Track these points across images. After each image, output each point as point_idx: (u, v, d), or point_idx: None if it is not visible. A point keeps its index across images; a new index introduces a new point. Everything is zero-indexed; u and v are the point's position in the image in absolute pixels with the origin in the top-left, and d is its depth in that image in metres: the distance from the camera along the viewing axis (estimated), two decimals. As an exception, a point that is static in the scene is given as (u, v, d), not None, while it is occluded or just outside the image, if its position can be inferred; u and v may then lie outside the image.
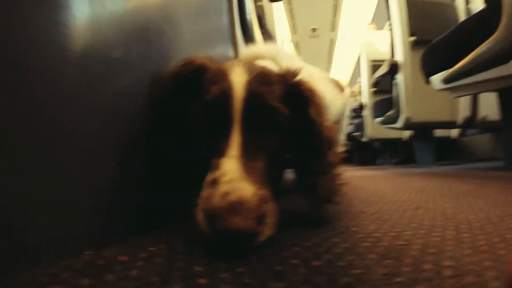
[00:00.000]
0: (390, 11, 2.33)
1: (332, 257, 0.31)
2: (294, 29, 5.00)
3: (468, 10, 2.18)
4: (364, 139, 3.51)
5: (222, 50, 0.70)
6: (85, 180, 0.32)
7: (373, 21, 4.62)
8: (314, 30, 5.05)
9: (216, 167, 0.37)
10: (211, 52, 0.65)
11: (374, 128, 3.29)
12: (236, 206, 0.32)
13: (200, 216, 0.35)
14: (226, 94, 0.41)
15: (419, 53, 1.73)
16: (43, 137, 0.28)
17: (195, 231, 0.35)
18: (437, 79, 1.53)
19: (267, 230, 0.34)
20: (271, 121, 0.42)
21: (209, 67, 0.46)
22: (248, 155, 0.38)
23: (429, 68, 1.61)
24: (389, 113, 2.36)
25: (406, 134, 3.20)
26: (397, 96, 2.25)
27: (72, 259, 0.30)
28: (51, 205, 0.29)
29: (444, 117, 2.22)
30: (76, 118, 0.31)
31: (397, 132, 3.21)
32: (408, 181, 1.15)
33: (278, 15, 3.14)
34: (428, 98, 2.16)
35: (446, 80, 1.44)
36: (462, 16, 2.21)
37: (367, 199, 0.70)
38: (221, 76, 0.43)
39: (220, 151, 0.39)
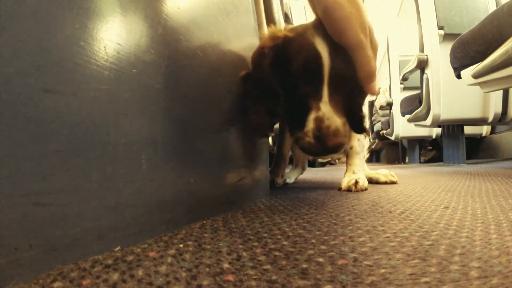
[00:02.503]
0: (417, 4, 2.27)
1: (358, 256, 0.31)
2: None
3: (498, 0, 2.09)
4: (392, 138, 3.43)
5: (250, 47, 0.72)
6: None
7: (399, 14, 4.49)
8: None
9: (316, 108, 0.60)
10: (240, 49, 0.67)
11: (402, 126, 3.21)
12: (336, 132, 0.57)
13: (309, 139, 0.59)
14: (317, 60, 0.60)
15: (449, 47, 1.68)
16: (83, 136, 0.30)
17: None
18: (467, 73, 1.48)
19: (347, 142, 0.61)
20: (346, 84, 0.62)
21: (292, 38, 0.64)
22: (334, 101, 0.60)
23: (459, 62, 1.56)
24: (418, 110, 2.30)
25: (437, 131, 3.11)
26: (427, 92, 2.19)
27: (103, 254, 0.31)
28: (92, 198, 0.31)
29: (475, 113, 2.15)
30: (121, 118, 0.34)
31: (427, 129, 3.13)
32: (437, 180, 1.12)
33: (305, 13, 3.12)
34: (458, 94, 2.09)
35: (477, 75, 1.39)
36: (492, 7, 2.12)
37: (395, 198, 0.69)
38: (307, 46, 0.61)
39: (317, 98, 0.60)
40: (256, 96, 0.67)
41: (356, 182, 0.89)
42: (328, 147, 0.57)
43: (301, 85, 0.62)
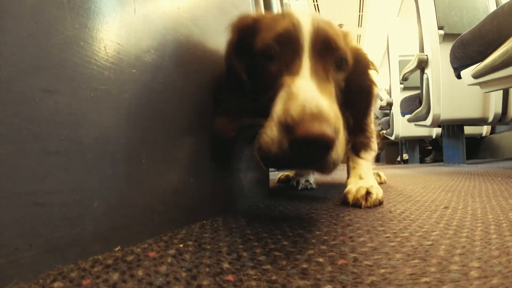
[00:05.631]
0: (417, 3, 2.27)
1: (358, 256, 0.31)
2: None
3: (498, 0, 2.09)
4: (392, 138, 3.42)
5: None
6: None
7: (399, 14, 4.49)
8: (340, 26, 5.00)
9: (289, 84, 0.40)
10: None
11: (402, 126, 3.21)
12: (317, 116, 0.33)
13: (273, 130, 0.36)
14: (295, 26, 0.45)
15: (449, 47, 1.67)
16: (84, 136, 0.30)
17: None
18: (467, 73, 1.48)
19: (339, 151, 0.36)
20: (337, 56, 0.47)
21: (265, 16, 0.52)
22: (318, 77, 0.42)
23: (459, 62, 1.56)
24: (418, 110, 2.30)
25: (437, 131, 3.10)
26: (427, 92, 2.19)
27: (103, 254, 0.31)
28: (94, 200, 0.31)
29: (475, 113, 2.14)
30: (113, 119, 0.34)
31: (427, 129, 3.12)
32: (437, 180, 1.12)
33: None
34: (458, 94, 2.09)
35: (477, 75, 1.39)
36: (492, 7, 2.12)
37: (395, 199, 0.69)
38: (285, 17, 0.47)
39: (292, 71, 0.42)
40: (225, 95, 0.53)
41: (368, 193, 0.61)
42: (300, 139, 0.33)
43: (274, 60, 0.46)
